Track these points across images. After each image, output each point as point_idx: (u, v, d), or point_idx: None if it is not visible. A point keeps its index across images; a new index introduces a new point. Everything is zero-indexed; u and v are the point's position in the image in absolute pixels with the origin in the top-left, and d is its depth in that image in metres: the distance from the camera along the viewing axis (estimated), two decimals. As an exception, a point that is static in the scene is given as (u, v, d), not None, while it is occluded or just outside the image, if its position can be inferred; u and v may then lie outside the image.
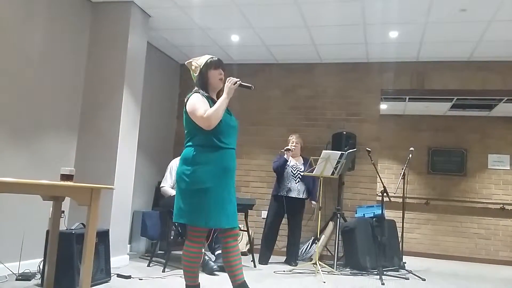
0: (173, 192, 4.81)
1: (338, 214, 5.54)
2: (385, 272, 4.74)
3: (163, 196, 5.00)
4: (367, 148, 5.16)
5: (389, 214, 6.27)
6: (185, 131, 2.76)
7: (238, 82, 2.73)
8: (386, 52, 5.84)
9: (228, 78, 2.76)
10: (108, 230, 3.92)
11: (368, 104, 6.21)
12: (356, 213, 5.72)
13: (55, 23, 4.32)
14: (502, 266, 7.38)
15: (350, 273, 4.94)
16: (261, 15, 4.94)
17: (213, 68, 2.81)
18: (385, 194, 4.91)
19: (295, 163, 5.38)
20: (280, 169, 5.31)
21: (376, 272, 4.79)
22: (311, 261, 5.15)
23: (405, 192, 5.41)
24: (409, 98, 7.38)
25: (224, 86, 2.76)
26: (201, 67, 2.83)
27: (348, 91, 6.28)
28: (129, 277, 3.95)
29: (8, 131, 3.84)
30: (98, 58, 4.73)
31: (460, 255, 7.84)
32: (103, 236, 3.74)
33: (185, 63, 2.94)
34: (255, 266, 4.92)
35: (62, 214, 3.25)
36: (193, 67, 2.87)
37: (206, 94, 2.76)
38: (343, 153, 4.80)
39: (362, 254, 5.08)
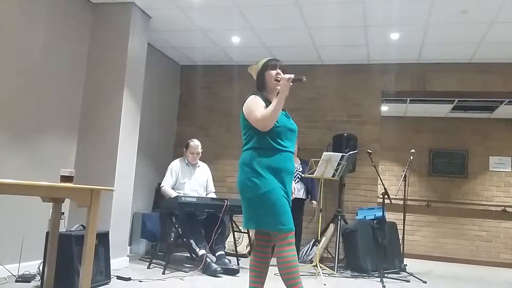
0: (173, 193, 4.81)
1: (339, 216, 5.52)
2: (386, 275, 4.72)
3: (163, 197, 5.00)
4: (368, 150, 5.14)
5: (390, 216, 6.25)
6: (243, 135, 2.67)
7: (291, 78, 2.61)
8: (387, 54, 5.82)
9: (281, 77, 2.67)
10: (108, 231, 3.91)
11: (369, 105, 6.20)
12: (357, 215, 5.70)
13: (55, 24, 4.31)
14: (503, 268, 7.37)
15: (351, 275, 4.92)
16: (262, 16, 4.93)
17: (269, 69, 2.72)
18: (386, 196, 4.90)
19: None
20: None
21: (377, 275, 4.77)
22: (311, 263, 5.13)
23: (406, 194, 5.39)
24: (410, 100, 7.36)
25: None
26: (259, 69, 2.75)
27: (349, 93, 6.27)
28: (129, 279, 3.94)
29: (8, 131, 3.83)
30: (98, 59, 4.72)
31: (461, 258, 7.81)
32: (103, 238, 3.73)
33: (248, 69, 2.87)
34: (255, 268, 4.90)
35: (62, 215, 3.24)
36: (253, 70, 2.80)
37: (263, 96, 2.68)
38: (344, 155, 4.79)
39: (363, 256, 5.07)
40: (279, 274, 2.58)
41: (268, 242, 2.66)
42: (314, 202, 5.51)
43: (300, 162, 5.48)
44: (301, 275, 4.84)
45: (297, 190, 5.33)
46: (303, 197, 5.42)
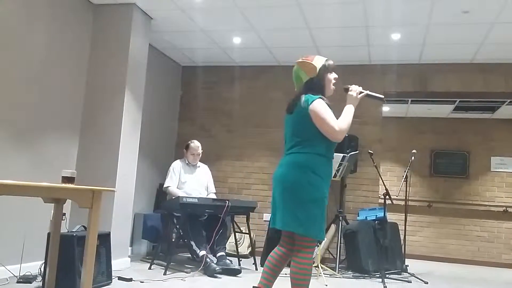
0: (180, 193, 4.82)
1: (340, 217, 5.51)
2: (387, 275, 4.71)
3: (164, 198, 5.00)
4: (369, 151, 5.14)
5: (391, 217, 6.24)
6: (299, 137, 2.57)
7: (365, 92, 2.61)
8: (388, 54, 5.82)
9: (350, 86, 2.64)
10: (110, 232, 3.91)
11: (370, 106, 6.18)
12: (358, 216, 5.70)
13: (56, 25, 4.32)
14: (505, 269, 7.35)
15: (352, 276, 4.92)
16: (263, 17, 4.93)
17: (330, 72, 2.65)
18: (387, 196, 4.89)
19: None
20: None
21: (378, 275, 4.77)
22: (313, 264, 5.12)
23: (407, 195, 5.38)
24: (411, 100, 7.36)
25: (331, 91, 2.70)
26: (318, 69, 2.62)
27: (350, 93, 6.25)
28: (130, 279, 3.94)
29: (10, 132, 3.83)
30: (100, 60, 4.73)
31: (463, 258, 7.79)
32: (104, 239, 3.74)
33: (297, 61, 2.68)
34: (256, 268, 4.90)
35: (63, 216, 3.24)
36: (307, 67, 2.63)
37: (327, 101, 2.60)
38: (345, 156, 4.79)
39: (364, 257, 5.06)
40: (279, 275, 2.58)
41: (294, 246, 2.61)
42: None
43: None
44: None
45: None
46: None
